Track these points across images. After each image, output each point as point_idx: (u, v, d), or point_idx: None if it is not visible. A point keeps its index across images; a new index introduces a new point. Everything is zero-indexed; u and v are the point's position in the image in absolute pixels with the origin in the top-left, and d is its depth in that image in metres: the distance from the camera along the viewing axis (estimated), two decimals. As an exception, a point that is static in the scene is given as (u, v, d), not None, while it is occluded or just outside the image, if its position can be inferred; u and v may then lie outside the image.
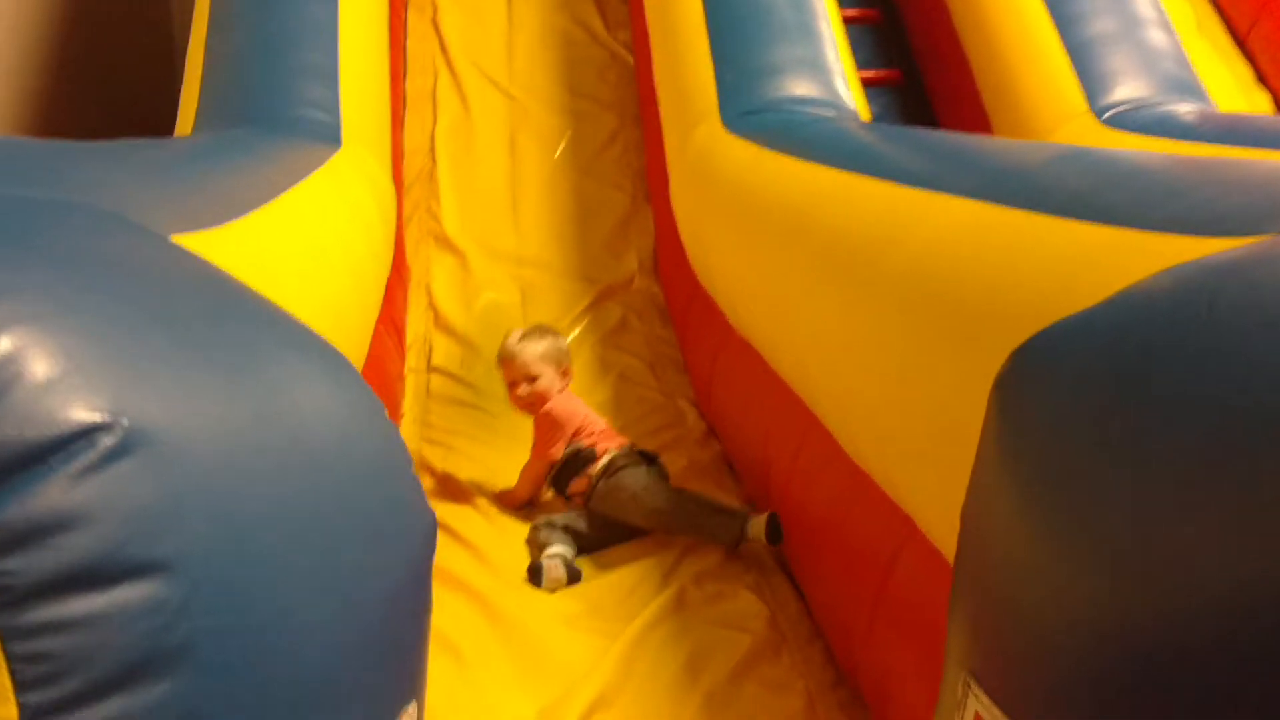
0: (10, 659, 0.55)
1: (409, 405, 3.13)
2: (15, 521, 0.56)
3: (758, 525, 2.18)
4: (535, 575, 2.25)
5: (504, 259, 3.62)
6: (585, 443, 2.54)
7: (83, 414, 0.60)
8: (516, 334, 2.68)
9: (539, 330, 2.71)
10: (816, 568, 1.95)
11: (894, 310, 1.56)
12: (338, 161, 2.68)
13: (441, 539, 2.40)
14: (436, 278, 3.54)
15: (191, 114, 2.84)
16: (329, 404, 0.85)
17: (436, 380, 3.27)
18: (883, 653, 1.53)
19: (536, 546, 2.38)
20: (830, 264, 1.91)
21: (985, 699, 0.81)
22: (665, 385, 3.35)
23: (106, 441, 0.60)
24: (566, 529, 2.39)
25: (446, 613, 2.16)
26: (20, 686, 0.55)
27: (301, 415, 0.79)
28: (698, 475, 2.81)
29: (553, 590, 2.20)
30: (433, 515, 0.94)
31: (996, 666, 0.81)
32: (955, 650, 0.91)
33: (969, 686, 0.84)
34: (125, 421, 0.61)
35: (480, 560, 2.35)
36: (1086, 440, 0.77)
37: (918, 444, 1.35)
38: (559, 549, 2.33)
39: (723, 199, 2.82)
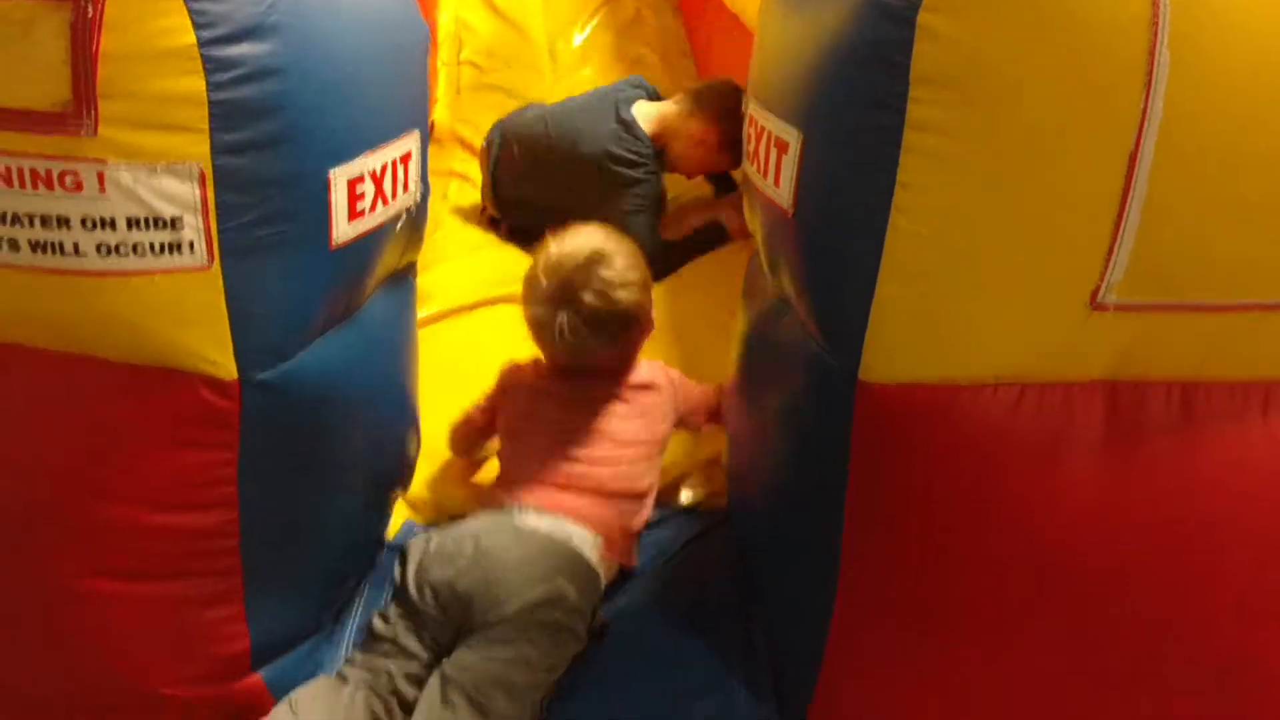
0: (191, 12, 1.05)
1: (442, 93, 3.56)
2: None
3: None
4: None
5: (526, -42, 3.94)
6: None
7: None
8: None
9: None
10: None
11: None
12: None
13: (459, 185, 2.92)
14: (464, -21, 3.89)
15: None
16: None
17: (466, 72, 3.68)
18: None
19: None
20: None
21: (755, 103, 1.32)
22: (672, 70, 3.73)
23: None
24: None
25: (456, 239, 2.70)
26: (197, 27, 1.05)
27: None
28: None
29: None
30: (427, 28, 1.41)
31: (759, 88, 1.34)
32: (750, 88, 1.41)
33: (751, 103, 1.35)
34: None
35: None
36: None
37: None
38: None
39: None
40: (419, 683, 1.37)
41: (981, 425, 1.13)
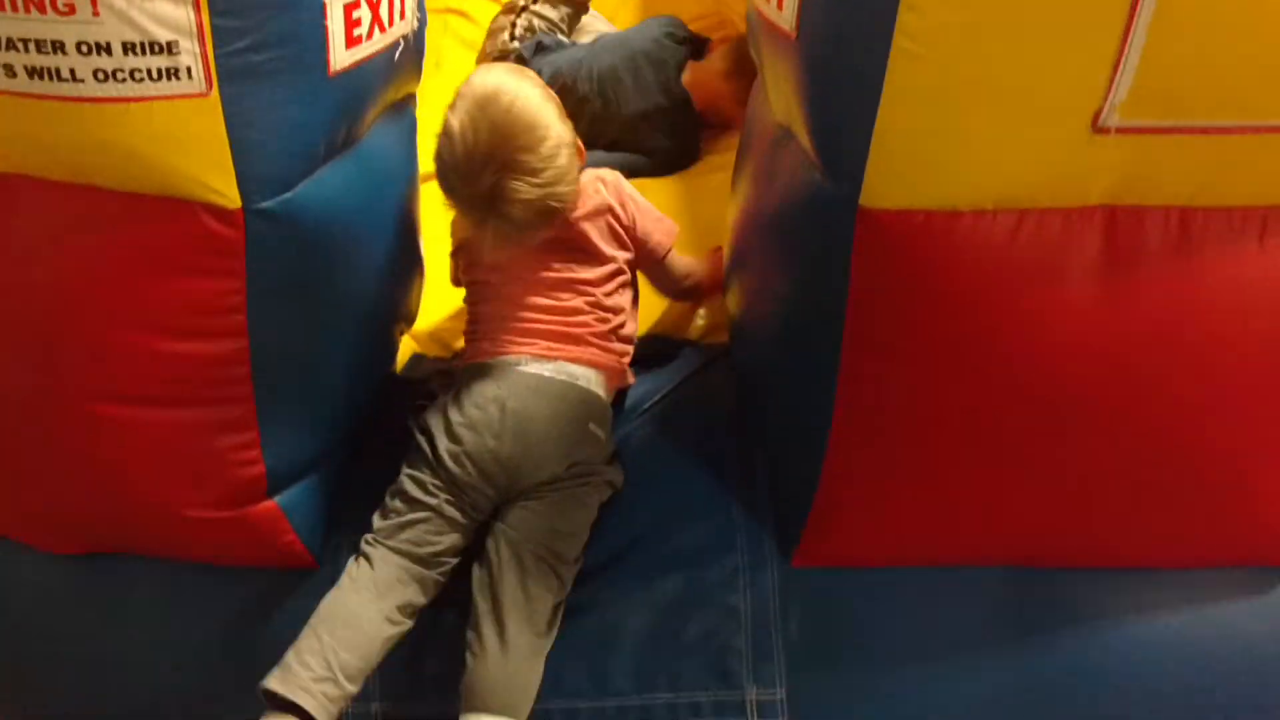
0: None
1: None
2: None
3: None
4: None
5: None
6: None
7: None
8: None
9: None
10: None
11: None
12: None
13: (458, 21, 2.84)
14: None
15: None
16: None
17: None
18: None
19: None
20: None
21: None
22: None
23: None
24: None
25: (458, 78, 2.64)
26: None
27: None
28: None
29: None
30: None
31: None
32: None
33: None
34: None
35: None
36: None
37: None
38: None
39: None
40: (456, 553, 1.45)
41: (980, 251, 1.14)
